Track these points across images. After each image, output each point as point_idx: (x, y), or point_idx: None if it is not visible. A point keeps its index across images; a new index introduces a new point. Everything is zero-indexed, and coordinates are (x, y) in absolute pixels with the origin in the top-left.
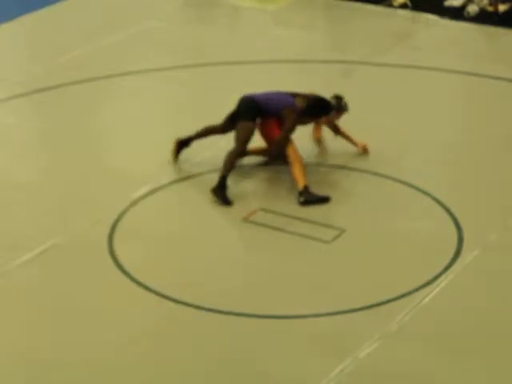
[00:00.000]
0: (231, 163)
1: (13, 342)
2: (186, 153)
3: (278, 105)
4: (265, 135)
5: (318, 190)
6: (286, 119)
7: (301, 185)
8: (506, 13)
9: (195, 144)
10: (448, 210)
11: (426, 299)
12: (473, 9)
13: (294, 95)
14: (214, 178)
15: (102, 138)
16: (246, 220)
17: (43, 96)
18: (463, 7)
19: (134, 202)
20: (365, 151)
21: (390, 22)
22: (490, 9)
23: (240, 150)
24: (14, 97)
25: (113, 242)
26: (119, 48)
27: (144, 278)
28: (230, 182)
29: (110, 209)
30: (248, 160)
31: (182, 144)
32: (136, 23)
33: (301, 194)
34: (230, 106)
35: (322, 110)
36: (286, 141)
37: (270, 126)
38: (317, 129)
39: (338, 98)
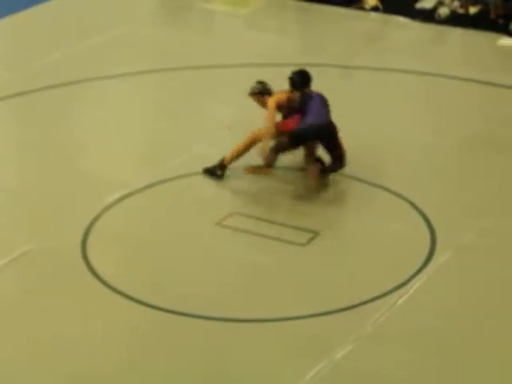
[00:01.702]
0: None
1: None
2: (160, 157)
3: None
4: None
5: (292, 193)
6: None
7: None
8: (476, 15)
9: (170, 148)
10: (421, 212)
11: (400, 301)
12: (444, 11)
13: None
14: (187, 183)
15: (76, 143)
16: (219, 224)
17: (18, 101)
18: (434, 9)
19: (108, 207)
20: None
21: (362, 24)
22: (461, 11)
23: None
24: None
25: (86, 246)
26: (94, 52)
27: (117, 283)
28: (204, 186)
29: (83, 213)
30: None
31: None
32: (111, 27)
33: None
34: (203, 109)
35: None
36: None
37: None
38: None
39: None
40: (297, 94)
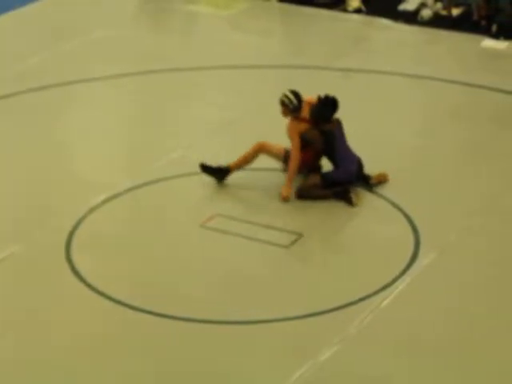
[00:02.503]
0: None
1: None
2: (144, 159)
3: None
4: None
5: (275, 195)
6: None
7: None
8: (459, 16)
9: (154, 150)
10: (405, 213)
11: (385, 302)
12: (426, 13)
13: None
14: (171, 185)
15: (60, 145)
16: (203, 226)
17: (0, 103)
18: (417, 11)
19: (93, 209)
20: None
21: (345, 26)
22: (444, 13)
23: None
24: None
25: (70, 248)
26: (77, 55)
27: (101, 285)
28: (187, 188)
29: (68, 216)
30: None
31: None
32: (92, 30)
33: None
34: (187, 111)
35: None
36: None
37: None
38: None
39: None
40: (316, 134)
